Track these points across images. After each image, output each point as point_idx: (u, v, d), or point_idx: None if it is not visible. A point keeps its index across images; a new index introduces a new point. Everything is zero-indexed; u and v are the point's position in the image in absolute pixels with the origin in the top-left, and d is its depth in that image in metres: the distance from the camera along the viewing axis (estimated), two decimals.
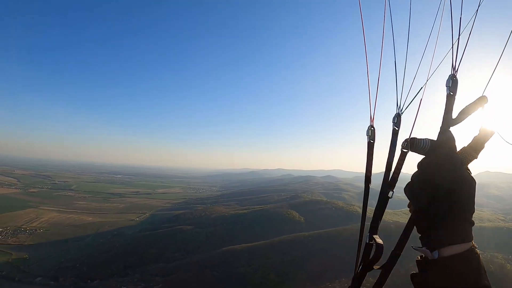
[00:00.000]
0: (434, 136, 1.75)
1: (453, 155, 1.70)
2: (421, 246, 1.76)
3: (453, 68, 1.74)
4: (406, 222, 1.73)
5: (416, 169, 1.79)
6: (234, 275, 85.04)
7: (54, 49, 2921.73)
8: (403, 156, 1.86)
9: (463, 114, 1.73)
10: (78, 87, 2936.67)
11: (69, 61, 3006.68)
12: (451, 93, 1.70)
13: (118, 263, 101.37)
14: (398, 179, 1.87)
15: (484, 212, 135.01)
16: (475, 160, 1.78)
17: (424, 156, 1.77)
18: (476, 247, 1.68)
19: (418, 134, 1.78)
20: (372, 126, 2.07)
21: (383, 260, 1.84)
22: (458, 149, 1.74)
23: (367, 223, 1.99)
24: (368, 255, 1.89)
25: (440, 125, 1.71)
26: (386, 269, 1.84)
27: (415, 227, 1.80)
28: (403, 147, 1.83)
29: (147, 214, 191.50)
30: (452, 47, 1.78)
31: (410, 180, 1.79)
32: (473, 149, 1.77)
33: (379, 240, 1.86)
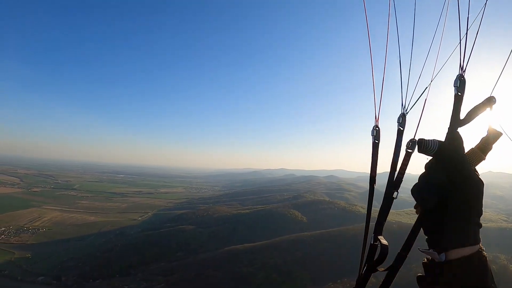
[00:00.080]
0: (440, 136, 1.72)
1: (461, 157, 1.67)
2: (428, 248, 1.74)
3: (461, 68, 1.71)
4: (413, 223, 1.81)
5: (424, 170, 1.77)
6: (236, 275, 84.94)
7: (54, 48, 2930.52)
8: (408, 157, 1.85)
9: (471, 115, 1.69)
10: (81, 87, 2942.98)
11: (70, 60, 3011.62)
12: (459, 94, 1.67)
13: (121, 263, 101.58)
14: (403, 179, 1.86)
15: (486, 212, 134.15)
16: (483, 161, 1.75)
17: (431, 157, 1.74)
18: (483, 250, 1.65)
19: (423, 134, 1.76)
20: (377, 126, 2.07)
21: (387, 261, 1.82)
22: (466, 150, 1.71)
23: (372, 224, 1.99)
24: (373, 256, 1.90)
25: (448, 125, 1.68)
26: (392, 271, 1.81)
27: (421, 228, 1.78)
28: (407, 147, 1.82)
29: (149, 213, 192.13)
30: (460, 47, 1.75)
31: (417, 181, 1.76)
32: (481, 150, 1.73)
33: (384, 241, 1.84)
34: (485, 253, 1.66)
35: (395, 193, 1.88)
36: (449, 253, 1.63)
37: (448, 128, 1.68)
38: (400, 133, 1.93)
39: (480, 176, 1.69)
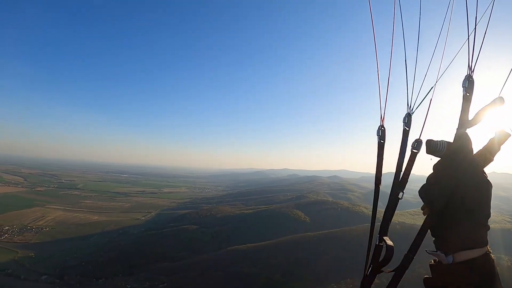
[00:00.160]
0: (446, 136, 1.71)
1: (469, 158, 1.66)
2: (435, 250, 1.73)
3: (469, 68, 1.69)
4: (417, 224, 1.79)
5: (432, 171, 1.75)
6: (239, 274, 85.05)
7: (54, 47, 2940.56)
8: (413, 157, 1.85)
9: (479, 115, 1.66)
10: (84, 86, 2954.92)
11: (73, 60, 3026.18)
12: (468, 94, 1.65)
13: (123, 262, 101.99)
14: (408, 180, 1.86)
15: (490, 213, 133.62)
16: (491, 163, 1.73)
17: (440, 158, 1.72)
18: (490, 252, 1.64)
19: (429, 134, 1.76)
20: (382, 126, 2.06)
21: (391, 262, 1.81)
22: (474, 151, 1.70)
23: (377, 224, 1.98)
24: (378, 257, 1.89)
25: (455, 126, 1.68)
26: (399, 273, 1.78)
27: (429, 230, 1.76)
28: (413, 147, 1.83)
29: (152, 213, 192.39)
30: (468, 47, 1.73)
31: (425, 183, 1.75)
32: (489, 152, 1.72)
33: (390, 242, 1.83)
34: (492, 256, 1.65)
35: (401, 193, 1.87)
36: (456, 255, 1.62)
37: (457, 129, 1.67)
38: (405, 133, 1.92)
39: (488, 178, 1.68)
